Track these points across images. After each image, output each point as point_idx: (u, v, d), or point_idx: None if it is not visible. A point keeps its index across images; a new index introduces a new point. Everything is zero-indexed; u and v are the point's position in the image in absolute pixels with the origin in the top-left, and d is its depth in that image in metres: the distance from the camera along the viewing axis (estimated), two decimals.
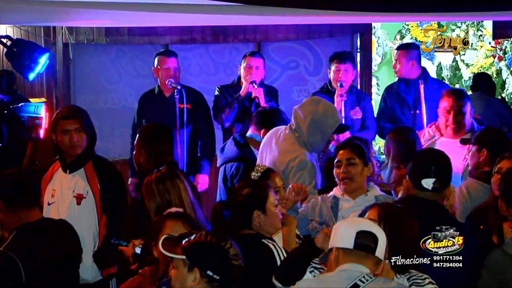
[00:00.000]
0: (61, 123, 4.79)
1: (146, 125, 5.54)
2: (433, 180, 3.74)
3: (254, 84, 6.66)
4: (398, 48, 7.03)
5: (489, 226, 4.25)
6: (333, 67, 6.73)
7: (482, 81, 7.79)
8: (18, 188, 4.00)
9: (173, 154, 4.95)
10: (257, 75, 6.75)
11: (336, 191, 4.65)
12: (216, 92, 6.87)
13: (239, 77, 6.87)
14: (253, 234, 3.83)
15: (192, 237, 2.96)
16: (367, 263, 3.09)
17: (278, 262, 3.67)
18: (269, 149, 5.18)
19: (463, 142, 5.59)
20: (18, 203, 3.95)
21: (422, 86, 6.61)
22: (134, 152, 4.92)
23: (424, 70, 6.96)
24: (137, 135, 4.92)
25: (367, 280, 3.05)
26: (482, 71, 8.58)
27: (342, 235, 3.13)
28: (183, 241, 2.96)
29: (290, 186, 4.55)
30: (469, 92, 8.43)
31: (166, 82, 6.55)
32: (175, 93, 6.42)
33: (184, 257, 2.93)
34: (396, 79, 8.40)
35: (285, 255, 3.69)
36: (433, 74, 8.41)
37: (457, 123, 5.85)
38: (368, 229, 3.11)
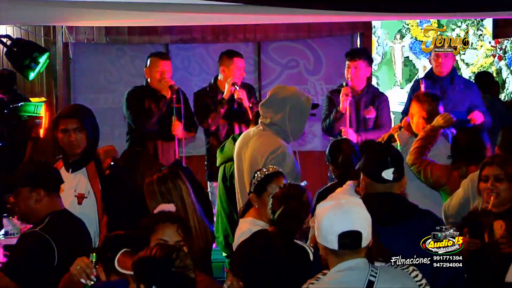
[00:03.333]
0: (61, 122, 4.80)
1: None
2: (392, 170, 3.75)
3: (235, 86, 6.66)
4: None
5: (482, 225, 4.28)
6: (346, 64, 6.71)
7: (483, 80, 7.77)
8: (57, 175, 4.18)
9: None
10: (242, 76, 6.80)
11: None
12: (194, 99, 6.87)
13: (216, 78, 6.87)
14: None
15: (141, 252, 2.95)
16: (364, 254, 3.12)
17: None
18: (244, 150, 5.13)
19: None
20: (57, 190, 4.12)
21: (423, 86, 6.60)
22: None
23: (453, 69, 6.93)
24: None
25: (376, 274, 3.07)
26: (482, 70, 8.58)
27: (325, 235, 3.12)
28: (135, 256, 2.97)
29: None
30: None
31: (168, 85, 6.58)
32: (174, 94, 6.48)
33: (132, 273, 2.95)
34: (396, 78, 8.41)
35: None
36: None
37: None
38: (349, 228, 3.08)
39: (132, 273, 2.96)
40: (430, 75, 6.83)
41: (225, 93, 6.69)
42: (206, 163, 6.89)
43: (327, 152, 5.30)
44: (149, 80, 6.70)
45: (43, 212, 4.03)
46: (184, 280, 2.89)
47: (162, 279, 2.87)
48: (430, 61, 6.90)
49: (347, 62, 6.66)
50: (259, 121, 5.15)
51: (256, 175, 4.36)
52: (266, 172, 4.35)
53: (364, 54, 6.79)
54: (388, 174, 3.74)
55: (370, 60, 6.83)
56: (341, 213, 3.12)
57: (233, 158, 5.32)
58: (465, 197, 4.81)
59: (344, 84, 6.62)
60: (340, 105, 6.53)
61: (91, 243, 4.32)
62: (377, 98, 6.68)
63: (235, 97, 6.65)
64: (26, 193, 4.03)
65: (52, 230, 3.95)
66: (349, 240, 3.09)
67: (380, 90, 8.13)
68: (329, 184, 5.34)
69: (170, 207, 3.86)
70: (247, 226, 4.20)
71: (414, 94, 6.05)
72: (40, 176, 4.07)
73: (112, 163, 4.66)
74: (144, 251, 2.96)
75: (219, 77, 6.84)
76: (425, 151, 5.44)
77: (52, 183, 4.10)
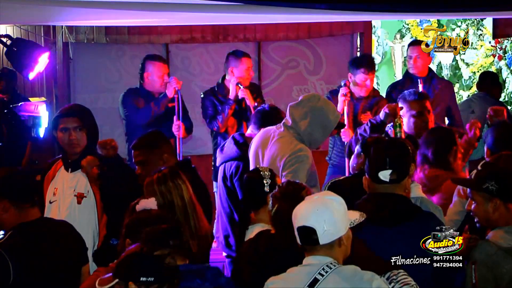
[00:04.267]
0: (61, 121, 4.80)
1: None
2: (389, 171, 3.73)
3: (239, 86, 6.66)
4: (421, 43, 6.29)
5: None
6: (360, 74, 6.63)
7: (486, 80, 7.72)
8: (26, 186, 3.98)
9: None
10: (251, 76, 6.82)
11: None
12: (202, 100, 6.88)
13: (223, 77, 6.89)
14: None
15: (116, 260, 3.06)
16: (329, 252, 3.14)
17: None
18: (264, 148, 5.15)
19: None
20: (26, 201, 3.91)
21: (421, 85, 6.61)
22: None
23: (431, 70, 6.95)
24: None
25: (326, 272, 3.10)
26: (483, 70, 8.58)
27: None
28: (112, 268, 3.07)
29: None
30: (471, 91, 8.45)
31: (169, 83, 6.60)
32: (176, 94, 6.51)
33: (117, 280, 3.00)
34: (396, 78, 8.39)
35: None
36: None
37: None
38: (303, 223, 3.15)
39: (114, 282, 3.01)
40: (408, 75, 6.86)
41: (230, 93, 6.70)
42: (213, 163, 6.88)
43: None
44: (145, 82, 6.71)
45: (10, 224, 3.85)
46: (167, 264, 3.01)
47: (149, 268, 2.96)
48: (407, 62, 6.94)
49: (362, 75, 6.61)
50: (282, 121, 5.17)
51: (265, 174, 4.34)
52: (268, 168, 4.37)
53: (374, 63, 6.81)
54: (384, 175, 3.73)
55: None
56: (303, 208, 3.21)
57: (247, 157, 5.31)
58: (462, 204, 4.79)
59: (342, 84, 6.63)
60: (338, 106, 6.54)
61: (82, 248, 4.17)
62: (376, 103, 6.68)
63: (239, 96, 6.65)
64: None
65: (11, 246, 3.75)
66: (303, 235, 3.16)
67: (380, 89, 8.17)
68: (346, 176, 5.27)
69: (151, 203, 3.81)
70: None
71: (399, 97, 6.04)
72: (3, 187, 3.89)
73: (99, 172, 4.63)
74: (120, 257, 3.06)
75: (226, 77, 6.86)
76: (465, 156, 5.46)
77: (19, 195, 3.90)
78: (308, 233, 3.14)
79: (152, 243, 3.09)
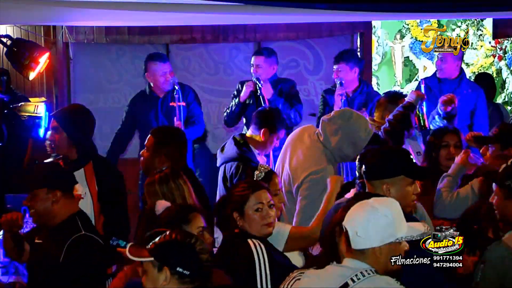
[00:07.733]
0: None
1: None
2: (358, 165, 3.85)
3: (259, 82, 6.66)
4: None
5: (483, 226, 4.24)
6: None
7: (484, 83, 7.69)
8: (71, 175, 4.14)
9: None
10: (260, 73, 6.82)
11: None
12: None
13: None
14: (238, 233, 3.86)
15: (157, 239, 3.04)
16: (364, 259, 3.04)
17: (256, 262, 3.68)
18: (294, 148, 5.19)
19: (479, 141, 5.35)
20: (71, 190, 4.05)
21: (423, 86, 6.60)
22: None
23: (462, 71, 6.93)
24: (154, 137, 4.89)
25: (358, 279, 3.00)
26: (482, 70, 8.57)
27: None
28: (149, 244, 3.04)
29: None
30: None
31: (169, 84, 6.61)
32: (175, 93, 6.50)
33: (152, 258, 3.00)
34: (396, 78, 8.38)
35: (266, 258, 3.69)
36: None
37: None
38: (344, 221, 3.08)
39: (149, 259, 2.99)
40: (435, 75, 6.86)
41: (242, 93, 6.70)
42: None
43: None
44: (152, 84, 6.75)
45: (61, 213, 3.96)
46: (204, 261, 3.02)
47: (188, 260, 2.97)
48: (436, 64, 6.94)
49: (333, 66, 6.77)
50: (319, 132, 5.21)
51: (260, 168, 4.38)
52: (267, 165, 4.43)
53: (346, 57, 6.80)
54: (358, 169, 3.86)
55: (355, 61, 6.82)
56: (353, 207, 3.12)
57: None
58: (466, 193, 4.79)
59: (338, 83, 6.64)
60: (335, 105, 6.58)
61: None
62: (371, 100, 6.68)
63: (262, 93, 6.63)
64: (43, 195, 3.95)
65: (92, 229, 3.96)
66: (346, 234, 3.08)
67: (380, 90, 8.16)
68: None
69: (166, 203, 3.87)
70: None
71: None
72: (56, 177, 4.02)
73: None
74: (160, 237, 3.03)
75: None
76: None
77: (68, 184, 4.05)
78: (346, 232, 3.06)
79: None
